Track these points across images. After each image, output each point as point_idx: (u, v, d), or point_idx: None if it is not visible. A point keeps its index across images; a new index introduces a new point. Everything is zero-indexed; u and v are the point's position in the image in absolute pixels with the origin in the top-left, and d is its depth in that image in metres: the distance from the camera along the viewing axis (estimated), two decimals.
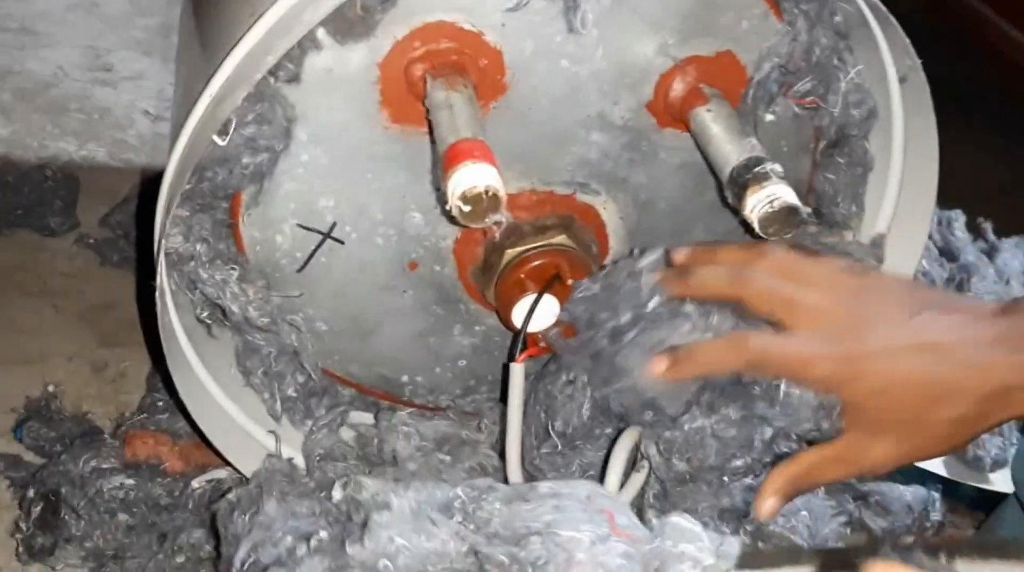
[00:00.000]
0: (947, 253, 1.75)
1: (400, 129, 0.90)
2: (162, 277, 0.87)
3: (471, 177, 0.73)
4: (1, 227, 1.54)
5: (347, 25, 0.82)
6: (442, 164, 0.76)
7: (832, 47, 0.93)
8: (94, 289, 1.49)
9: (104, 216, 1.59)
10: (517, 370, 0.95)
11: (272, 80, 0.83)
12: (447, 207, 0.74)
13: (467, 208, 0.73)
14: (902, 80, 0.91)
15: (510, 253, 0.97)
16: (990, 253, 1.63)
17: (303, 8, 0.73)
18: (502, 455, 0.95)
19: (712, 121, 0.88)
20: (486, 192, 0.73)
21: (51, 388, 1.30)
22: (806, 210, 0.80)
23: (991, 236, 1.64)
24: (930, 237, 1.32)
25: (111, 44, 2.10)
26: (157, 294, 0.84)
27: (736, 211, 0.84)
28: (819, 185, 1.06)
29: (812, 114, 0.99)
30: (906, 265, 1.08)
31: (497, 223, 0.73)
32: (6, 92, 1.84)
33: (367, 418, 1.10)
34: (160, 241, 0.84)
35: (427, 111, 0.85)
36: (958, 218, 1.89)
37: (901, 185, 1.04)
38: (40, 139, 1.74)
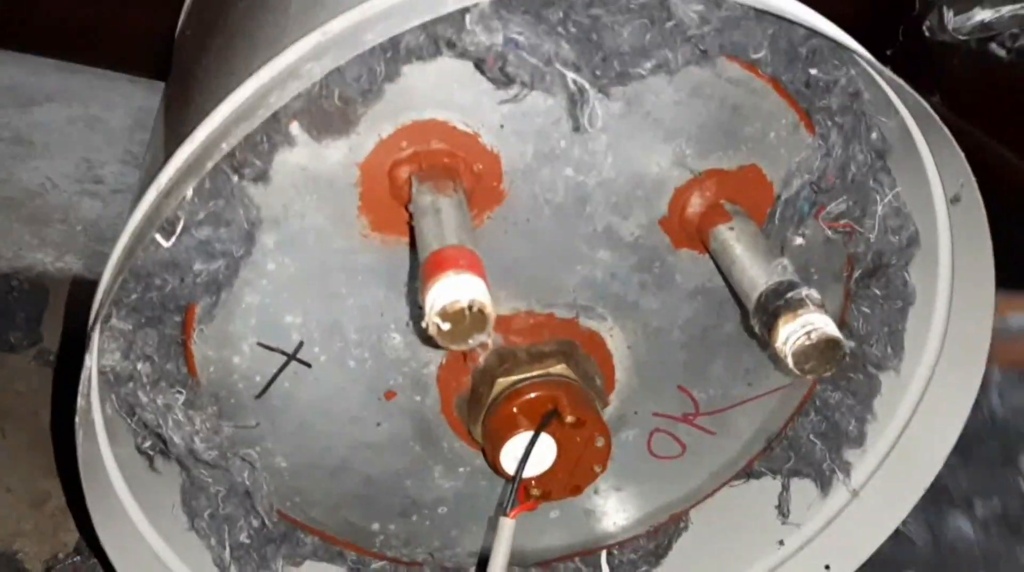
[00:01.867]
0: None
1: (380, 238, 0.79)
2: (89, 399, 0.74)
3: (453, 290, 0.61)
4: None
5: (324, 119, 0.72)
6: (422, 275, 0.64)
7: (869, 165, 0.83)
8: (48, 412, 1.36)
9: (69, 333, 1.47)
10: (507, 525, 0.81)
11: (235, 178, 0.73)
12: (423, 325, 0.62)
13: (446, 326, 0.61)
14: (954, 200, 0.81)
15: (501, 382, 0.85)
16: None
17: (268, 91, 0.63)
18: None
19: (735, 240, 0.78)
20: (470, 308, 0.61)
21: None
22: (849, 344, 0.68)
23: None
24: None
25: (106, 157, 2.05)
26: (77, 418, 0.71)
27: (765, 344, 0.72)
28: (852, 320, 0.95)
29: (846, 239, 0.88)
30: (949, 425, 0.94)
31: (482, 346, 0.61)
32: None
33: None
34: (89, 355, 0.71)
35: (411, 217, 0.74)
36: None
37: (948, 323, 0.92)
38: (16, 249, 1.65)
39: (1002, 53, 2.30)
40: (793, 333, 0.68)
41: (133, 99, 2.24)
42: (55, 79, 2.27)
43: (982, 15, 2.10)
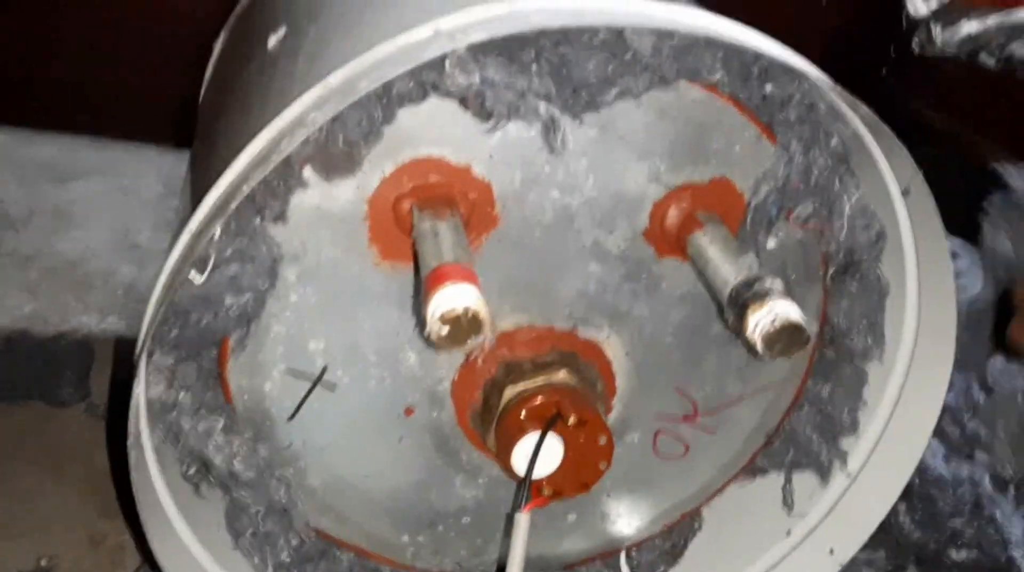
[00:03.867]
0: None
1: (390, 265, 0.88)
2: (137, 426, 0.83)
3: (450, 298, 0.70)
4: (12, 397, 1.52)
5: (332, 161, 0.82)
6: (423, 289, 0.73)
7: (831, 168, 0.91)
8: (101, 458, 1.45)
9: (117, 386, 1.57)
10: (522, 520, 0.88)
11: (257, 219, 0.82)
12: (426, 333, 0.70)
13: (445, 331, 0.69)
14: (905, 193, 0.88)
15: (509, 392, 0.92)
16: None
17: (280, 139, 0.73)
18: None
19: (709, 244, 0.86)
20: (465, 313, 0.69)
21: (43, 561, 1.24)
22: (811, 328, 0.75)
23: None
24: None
25: (140, 224, 2.18)
26: (130, 443, 0.80)
27: (738, 333, 0.79)
28: (833, 316, 1.02)
29: (818, 239, 0.95)
30: (932, 402, 1.00)
31: (480, 347, 0.69)
32: (34, 271, 1.89)
33: None
34: (137, 385, 0.80)
35: (414, 243, 0.83)
36: None
37: (919, 306, 0.98)
38: (63, 314, 1.77)
39: (991, 63, 2.38)
40: (761, 320, 0.76)
41: (162, 168, 2.36)
42: (89, 154, 2.41)
43: (968, 27, 2.16)
